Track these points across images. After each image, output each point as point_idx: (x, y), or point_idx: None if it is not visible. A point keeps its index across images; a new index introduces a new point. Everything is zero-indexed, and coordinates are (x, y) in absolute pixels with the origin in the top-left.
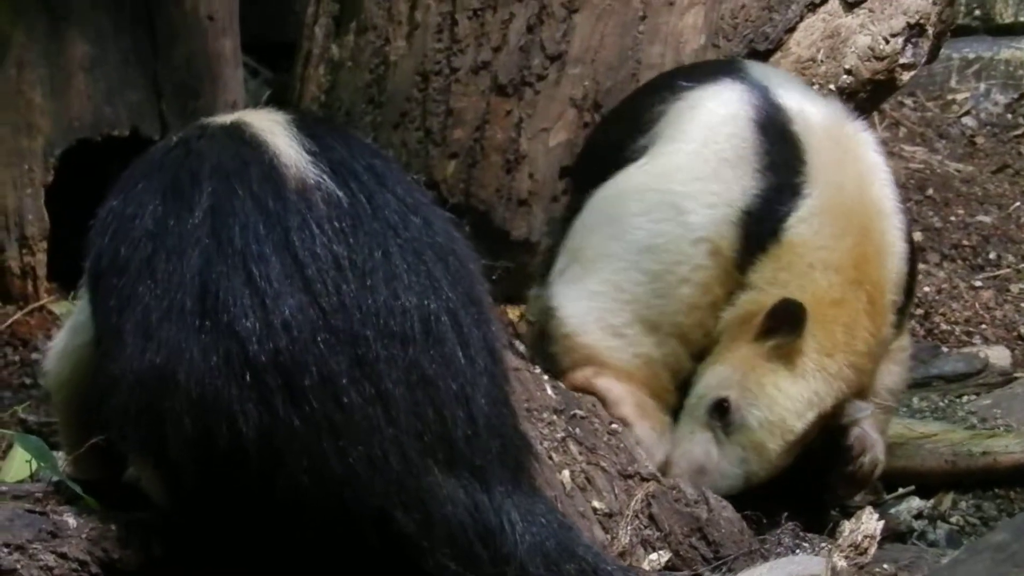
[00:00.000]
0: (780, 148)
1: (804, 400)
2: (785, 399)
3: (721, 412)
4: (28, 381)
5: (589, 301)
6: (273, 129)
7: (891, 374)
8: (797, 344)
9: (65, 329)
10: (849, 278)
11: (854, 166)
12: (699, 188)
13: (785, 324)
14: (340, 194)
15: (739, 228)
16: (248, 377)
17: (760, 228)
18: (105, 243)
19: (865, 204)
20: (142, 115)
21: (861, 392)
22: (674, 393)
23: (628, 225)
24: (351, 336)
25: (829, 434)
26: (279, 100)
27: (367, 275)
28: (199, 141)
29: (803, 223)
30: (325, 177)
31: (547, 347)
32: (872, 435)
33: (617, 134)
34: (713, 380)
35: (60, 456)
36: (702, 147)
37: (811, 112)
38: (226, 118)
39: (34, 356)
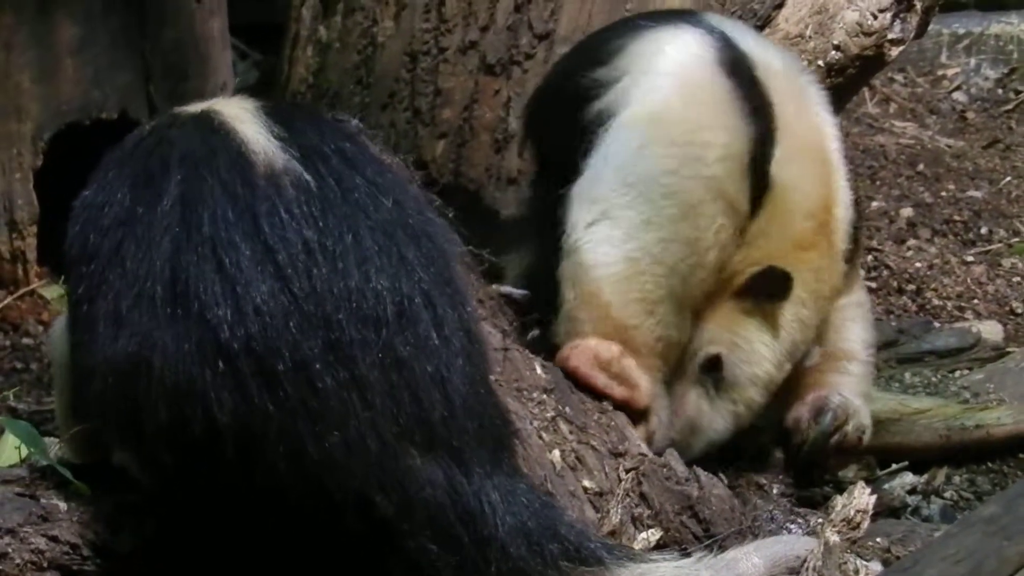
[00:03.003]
0: (752, 93)
1: (786, 352)
2: (770, 353)
3: (714, 368)
4: (19, 366)
5: (627, 268)
6: (242, 116)
7: (859, 330)
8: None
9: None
10: (819, 222)
11: (810, 117)
12: (709, 138)
13: (770, 290)
14: (308, 178)
15: (747, 179)
16: (221, 364)
17: (759, 176)
18: (76, 232)
19: (822, 154)
20: (131, 98)
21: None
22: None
23: (661, 189)
24: (324, 320)
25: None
26: (268, 82)
27: (338, 259)
28: (170, 130)
29: (781, 168)
30: (294, 162)
31: (569, 308)
32: (854, 401)
33: (571, 66)
34: (703, 336)
35: (50, 441)
36: (686, 96)
37: (771, 60)
38: (197, 107)
39: (25, 341)
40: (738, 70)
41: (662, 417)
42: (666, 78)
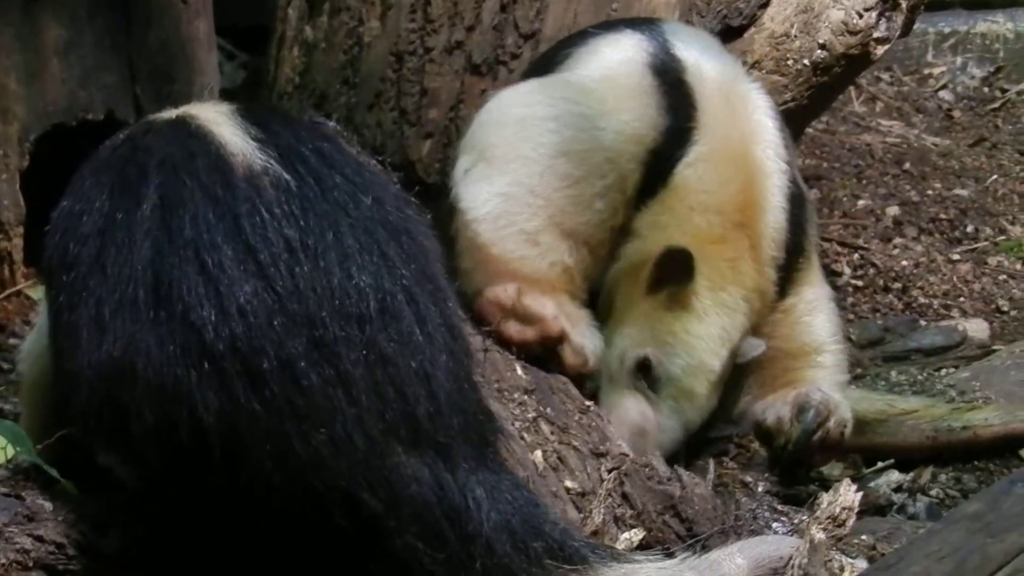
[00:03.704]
0: (673, 93)
1: (715, 337)
2: (698, 340)
3: (644, 370)
4: (6, 366)
5: (502, 204)
6: (218, 119)
7: (823, 320)
8: (689, 287)
9: (34, 329)
10: (732, 220)
11: (742, 123)
12: (611, 110)
13: (674, 273)
14: (288, 178)
15: (643, 167)
16: (207, 365)
17: (657, 170)
18: (56, 242)
19: (748, 160)
20: (117, 99)
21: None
22: (586, 291)
23: (539, 128)
24: (307, 318)
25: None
26: (256, 83)
27: (320, 256)
28: (145, 137)
29: (689, 168)
30: (272, 162)
31: (460, 263)
32: (834, 396)
33: (530, 73)
34: (626, 342)
35: None
36: (604, 80)
37: (706, 67)
38: (171, 113)
39: (11, 341)
40: (666, 72)
41: (583, 332)
42: (593, 71)
